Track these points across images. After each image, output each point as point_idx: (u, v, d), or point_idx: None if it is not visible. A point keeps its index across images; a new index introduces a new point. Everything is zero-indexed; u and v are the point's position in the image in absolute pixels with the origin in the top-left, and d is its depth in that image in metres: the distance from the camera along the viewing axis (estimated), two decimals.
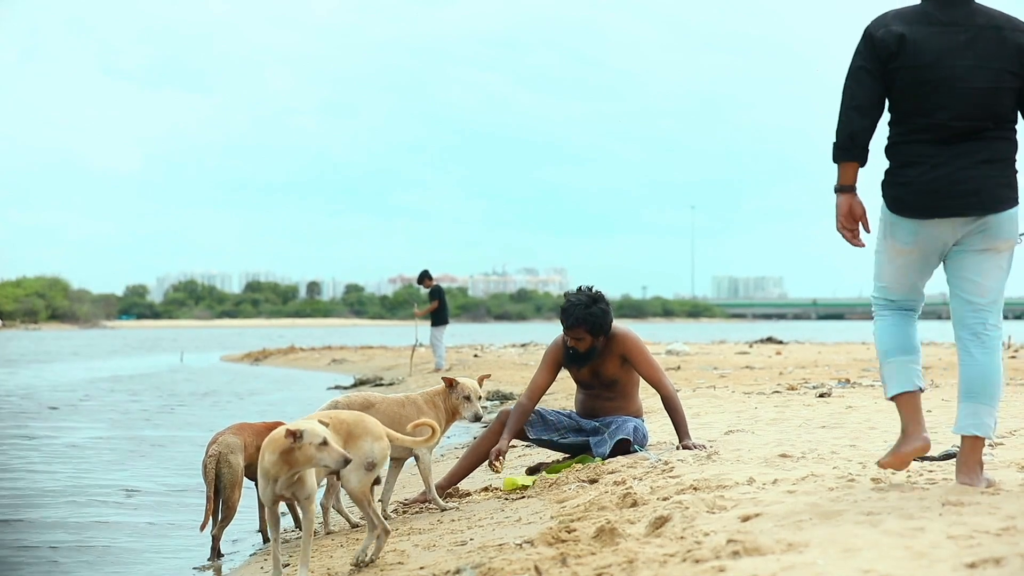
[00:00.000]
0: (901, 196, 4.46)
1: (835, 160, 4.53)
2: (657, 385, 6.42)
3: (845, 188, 4.51)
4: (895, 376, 4.53)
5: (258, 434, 5.84)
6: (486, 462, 6.38)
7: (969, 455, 4.41)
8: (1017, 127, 4.51)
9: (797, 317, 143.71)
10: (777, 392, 10.91)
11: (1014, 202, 4.42)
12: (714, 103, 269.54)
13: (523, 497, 5.88)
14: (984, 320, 4.47)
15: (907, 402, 4.51)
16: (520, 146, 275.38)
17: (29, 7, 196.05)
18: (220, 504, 5.71)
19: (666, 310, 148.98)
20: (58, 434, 12.25)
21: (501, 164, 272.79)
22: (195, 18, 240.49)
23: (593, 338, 6.37)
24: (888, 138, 4.56)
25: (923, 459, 4.89)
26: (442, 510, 6.05)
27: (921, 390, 4.53)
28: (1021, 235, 4.48)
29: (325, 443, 4.64)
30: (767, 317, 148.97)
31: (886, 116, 4.57)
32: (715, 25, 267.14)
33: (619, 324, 6.48)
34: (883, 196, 4.56)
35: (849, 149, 4.47)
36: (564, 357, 6.49)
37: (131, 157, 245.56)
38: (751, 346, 28.05)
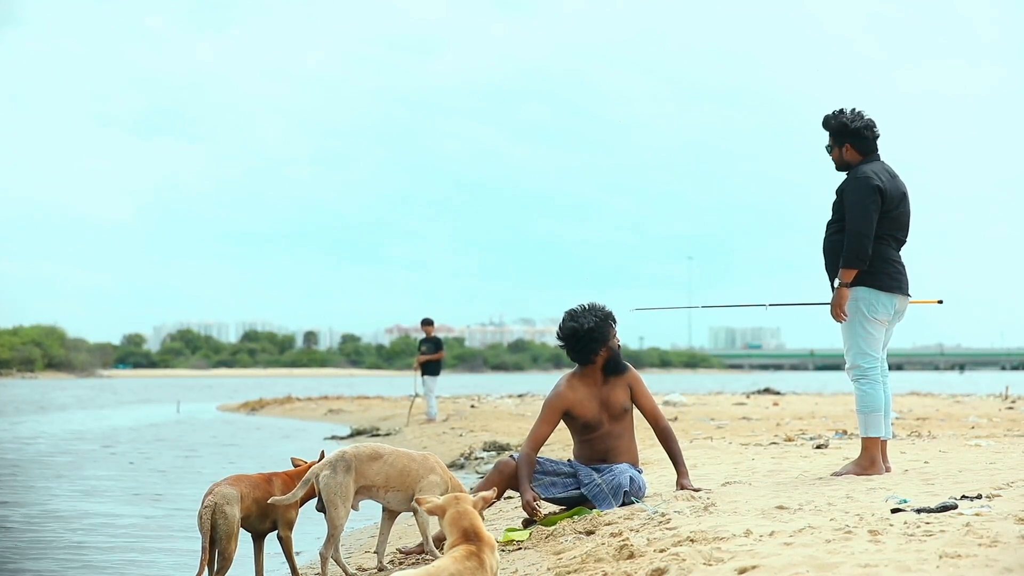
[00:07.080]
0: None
1: (850, 267, 6.54)
2: (656, 417, 6.67)
3: (847, 285, 6.61)
4: (879, 425, 6.68)
5: (255, 485, 5.82)
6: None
7: (885, 451, 6.78)
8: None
9: (795, 368, 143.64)
10: (774, 444, 10.90)
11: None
12: (707, 154, 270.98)
13: (519, 549, 5.86)
14: (886, 366, 6.82)
15: (877, 443, 6.69)
16: (513, 198, 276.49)
17: (17, 57, 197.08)
18: (216, 556, 5.69)
19: (663, 361, 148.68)
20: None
21: (495, 215, 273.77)
22: (185, 68, 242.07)
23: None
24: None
25: (919, 511, 4.95)
26: None
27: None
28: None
29: None
30: (764, 368, 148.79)
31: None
32: (704, 76, 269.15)
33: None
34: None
35: (864, 261, 6.54)
36: (608, 364, 6.52)
37: (124, 206, 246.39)
38: (748, 397, 28.01)
